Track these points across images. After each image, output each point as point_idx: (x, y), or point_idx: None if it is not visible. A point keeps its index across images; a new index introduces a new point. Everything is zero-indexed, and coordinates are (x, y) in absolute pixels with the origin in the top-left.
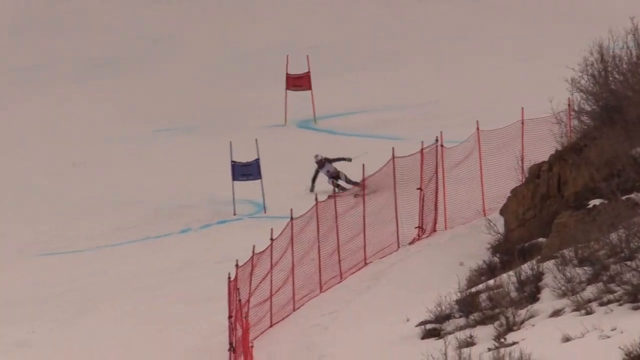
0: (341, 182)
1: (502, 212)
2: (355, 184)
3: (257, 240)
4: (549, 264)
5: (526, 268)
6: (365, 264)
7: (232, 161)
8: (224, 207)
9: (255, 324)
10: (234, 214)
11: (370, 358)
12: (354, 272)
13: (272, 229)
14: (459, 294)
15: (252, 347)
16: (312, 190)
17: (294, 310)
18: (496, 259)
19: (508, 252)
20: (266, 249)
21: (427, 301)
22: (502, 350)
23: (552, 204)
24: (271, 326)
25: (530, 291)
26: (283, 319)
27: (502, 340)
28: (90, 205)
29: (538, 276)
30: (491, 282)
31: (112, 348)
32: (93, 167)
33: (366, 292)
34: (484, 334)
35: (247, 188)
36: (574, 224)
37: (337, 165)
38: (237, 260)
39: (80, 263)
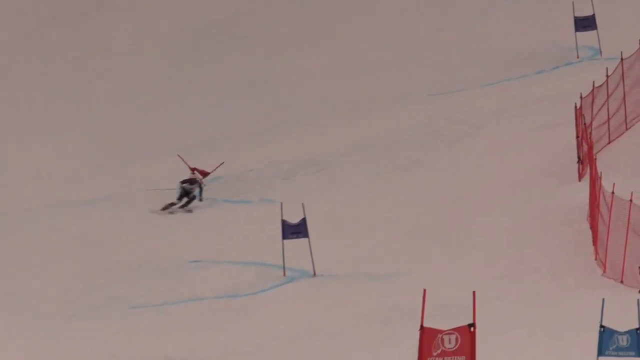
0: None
1: None
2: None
3: (596, 77)
4: None
5: None
6: None
7: (575, 17)
8: (569, 52)
9: (597, 141)
10: (577, 57)
11: None
12: None
13: (607, 67)
14: None
15: (595, 159)
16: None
17: (627, 129)
18: None
19: None
20: (603, 83)
21: None
22: None
23: None
24: (609, 142)
25: None
26: (618, 136)
27: None
28: (459, 55)
29: None
30: None
31: (485, 170)
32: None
33: None
34: None
35: (585, 36)
36: None
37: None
38: (580, 93)
39: (457, 102)
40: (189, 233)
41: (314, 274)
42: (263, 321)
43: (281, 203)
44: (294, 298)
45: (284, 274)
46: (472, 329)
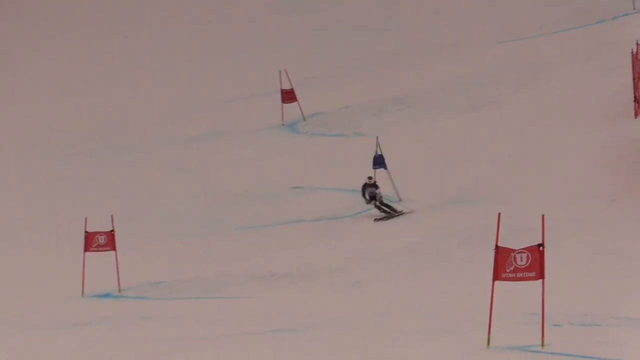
0: (374, 204)
1: None
2: (388, 208)
3: None
4: None
5: None
6: None
7: None
8: (626, 4)
9: None
10: (633, 9)
11: None
12: None
13: None
14: None
15: None
16: (368, 202)
17: None
18: None
19: None
20: None
21: None
22: None
23: None
24: None
25: None
26: None
27: None
28: (527, 7)
29: None
30: None
31: (552, 109)
32: None
33: None
34: None
35: None
36: None
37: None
38: (637, 40)
39: (524, 48)
40: (290, 163)
41: (400, 200)
42: (357, 240)
43: (377, 137)
44: (382, 221)
45: None
46: (541, 248)
